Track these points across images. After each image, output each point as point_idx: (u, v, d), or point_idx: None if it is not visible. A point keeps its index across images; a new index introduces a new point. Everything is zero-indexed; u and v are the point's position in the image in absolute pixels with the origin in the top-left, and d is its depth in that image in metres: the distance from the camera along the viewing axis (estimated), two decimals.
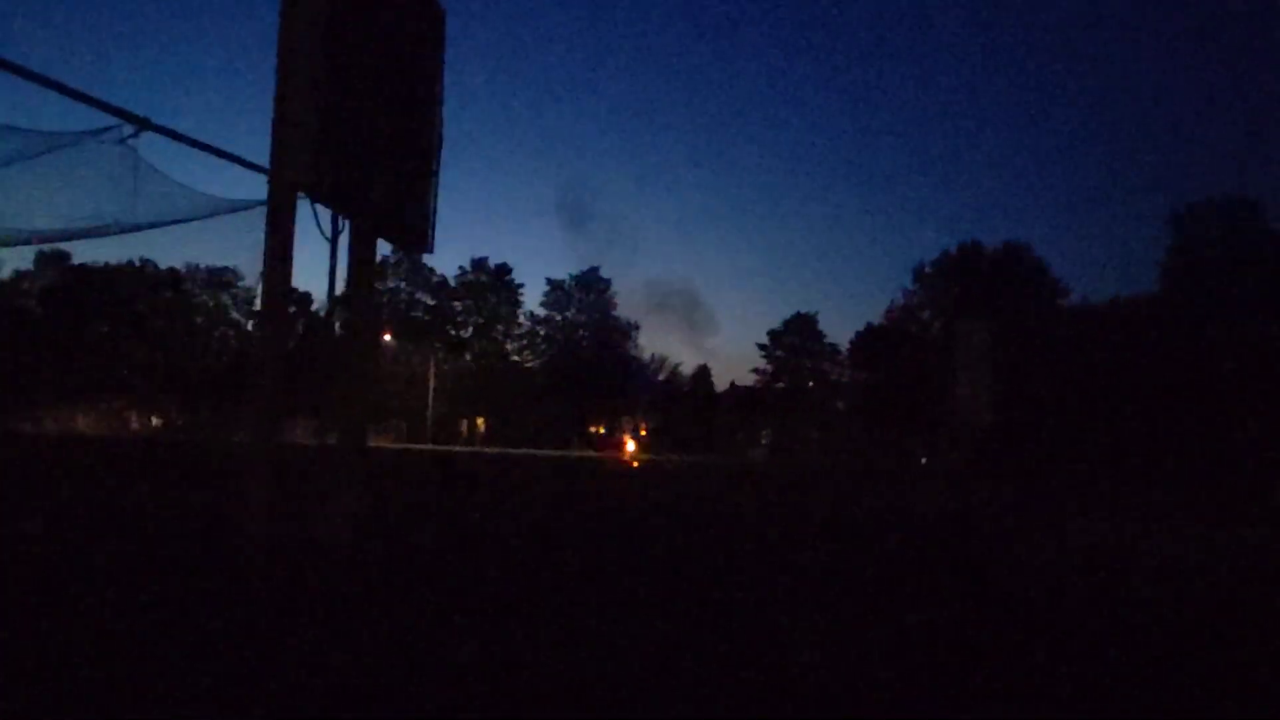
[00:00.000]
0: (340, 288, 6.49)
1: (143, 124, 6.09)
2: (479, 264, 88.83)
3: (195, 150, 6.84)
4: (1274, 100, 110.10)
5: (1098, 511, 17.84)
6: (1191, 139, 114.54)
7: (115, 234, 7.08)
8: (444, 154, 6.82)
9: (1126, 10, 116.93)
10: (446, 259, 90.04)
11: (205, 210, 7.03)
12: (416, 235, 6.47)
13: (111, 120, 5.99)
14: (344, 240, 6.19)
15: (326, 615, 5.15)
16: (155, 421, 76.89)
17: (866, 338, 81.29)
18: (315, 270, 6.53)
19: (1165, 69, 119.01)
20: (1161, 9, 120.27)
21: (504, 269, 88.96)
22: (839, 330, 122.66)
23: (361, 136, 5.51)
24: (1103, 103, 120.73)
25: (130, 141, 6.09)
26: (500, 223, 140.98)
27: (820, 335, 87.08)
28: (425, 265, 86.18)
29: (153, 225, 7.06)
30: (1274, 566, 10.65)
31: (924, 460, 65.05)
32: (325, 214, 5.84)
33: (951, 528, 13.14)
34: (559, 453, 42.33)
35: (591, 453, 65.73)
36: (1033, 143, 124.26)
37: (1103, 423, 53.50)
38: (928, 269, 78.36)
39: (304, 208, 5.68)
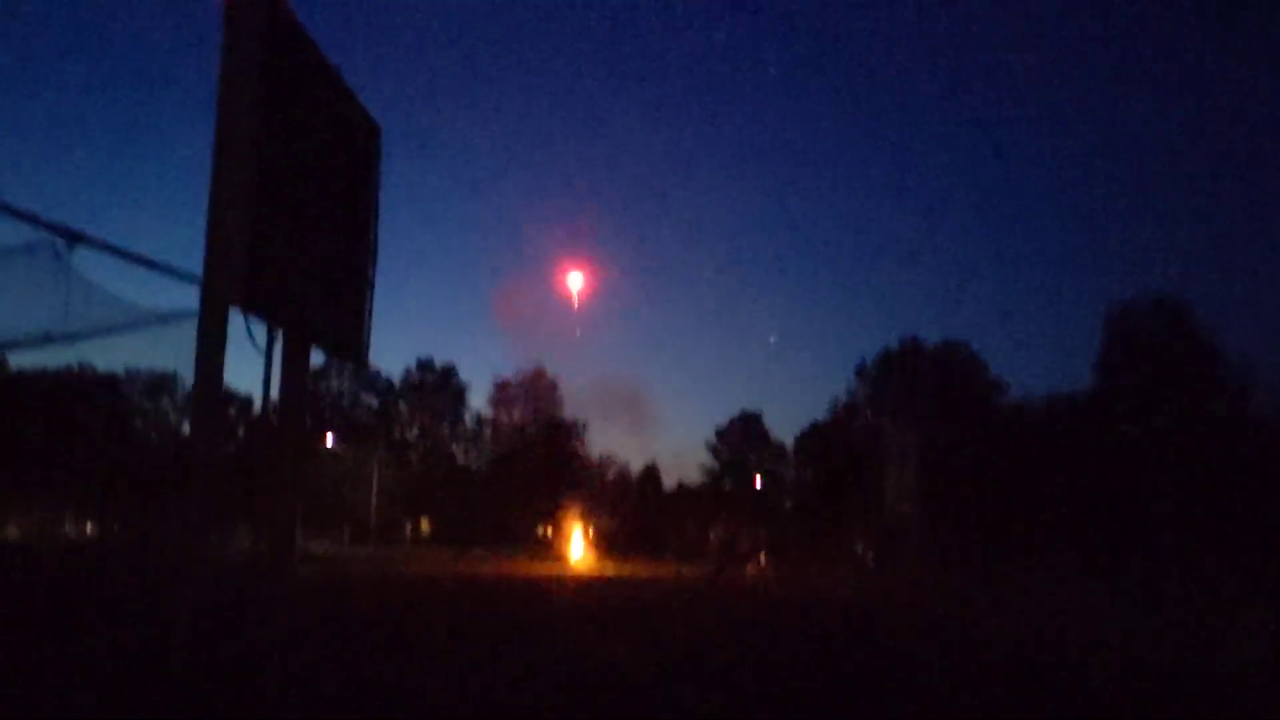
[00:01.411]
0: (277, 393, 6.56)
1: (77, 238, 6.19)
2: (425, 365, 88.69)
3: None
4: (1204, 203, 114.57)
5: (1013, 602, 18.03)
6: (1124, 240, 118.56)
7: (48, 345, 7.10)
8: (387, 259, 6.98)
9: (1063, 116, 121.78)
10: (392, 360, 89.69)
11: (138, 321, 7.09)
12: (351, 346, 6.58)
13: (45, 236, 6.08)
14: (280, 347, 6.28)
15: None
16: (90, 529, 74.66)
17: (811, 435, 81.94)
18: (257, 372, 6.58)
19: (1099, 173, 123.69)
20: (1097, 114, 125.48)
21: (450, 370, 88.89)
22: (786, 427, 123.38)
23: (295, 251, 5.64)
24: (1038, 205, 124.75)
25: (65, 255, 6.18)
26: (446, 323, 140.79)
27: (766, 433, 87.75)
28: (370, 367, 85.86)
29: (86, 336, 7.11)
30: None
31: (870, 558, 65.04)
32: (259, 325, 5.94)
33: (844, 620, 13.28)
34: (489, 567, 41.34)
35: (532, 559, 64.84)
36: (973, 242, 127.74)
37: (1038, 518, 54.11)
38: (869, 366, 79.61)
39: (237, 315, 5.77)
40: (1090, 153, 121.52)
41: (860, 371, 79.89)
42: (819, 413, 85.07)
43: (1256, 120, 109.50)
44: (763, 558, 62.66)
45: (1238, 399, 58.03)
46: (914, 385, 72.84)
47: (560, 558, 63.77)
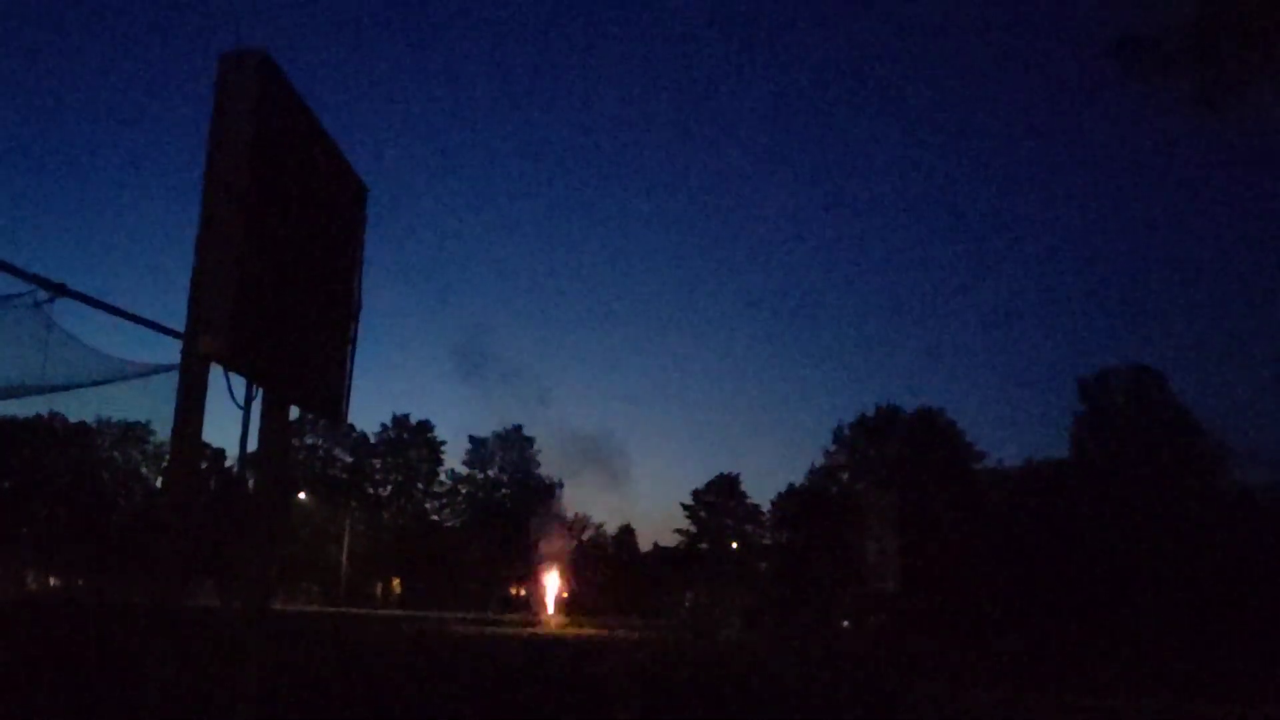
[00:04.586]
0: (254, 448, 6.50)
1: (58, 290, 6.16)
2: (400, 421, 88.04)
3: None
4: (1179, 276, 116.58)
5: (983, 678, 17.89)
6: (1101, 309, 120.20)
7: (25, 396, 7.04)
8: (366, 316, 6.97)
9: (1042, 190, 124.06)
10: (367, 416, 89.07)
11: (117, 374, 7.05)
12: (330, 404, 6.54)
13: (26, 286, 6.06)
14: (258, 402, 6.24)
15: None
16: (54, 582, 73.35)
17: (788, 498, 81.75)
18: (231, 424, 6.52)
19: (1076, 245, 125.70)
20: (1075, 187, 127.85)
21: (425, 426, 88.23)
22: (762, 491, 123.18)
23: (279, 310, 5.64)
24: (1014, 275, 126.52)
25: (45, 307, 6.15)
26: (422, 380, 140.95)
27: (743, 495, 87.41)
28: (346, 423, 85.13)
29: (64, 388, 7.05)
30: None
31: (845, 624, 64.61)
32: (238, 379, 5.90)
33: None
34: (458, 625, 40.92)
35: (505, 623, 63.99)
36: (950, 312, 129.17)
37: (1014, 587, 54.04)
38: (847, 431, 79.77)
39: (217, 370, 5.74)
40: (1068, 225, 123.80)
41: (838, 436, 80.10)
42: (797, 477, 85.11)
43: (1234, 197, 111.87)
44: (737, 623, 62.07)
45: (1212, 468, 58.43)
46: (891, 451, 73.01)
47: (532, 619, 62.97)
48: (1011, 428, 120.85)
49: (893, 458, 71.86)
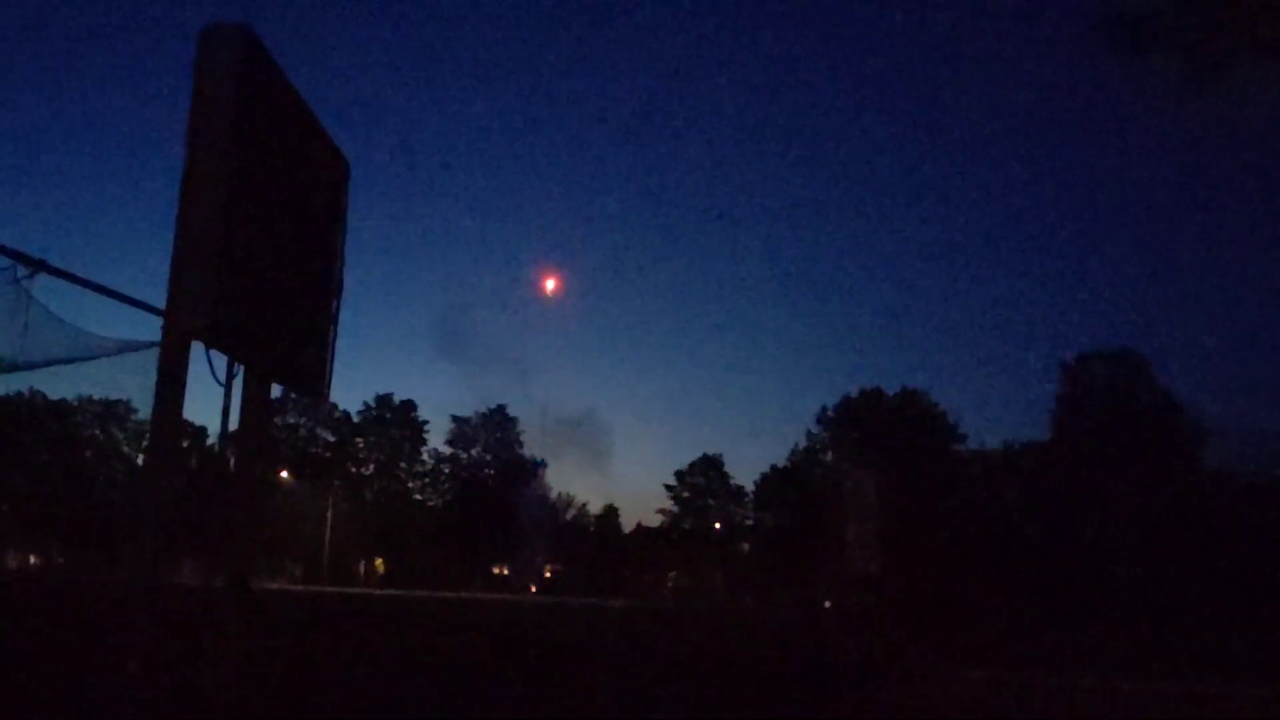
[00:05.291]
0: (235, 426, 6.47)
1: (38, 265, 6.10)
2: (383, 400, 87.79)
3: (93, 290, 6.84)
4: (1161, 258, 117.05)
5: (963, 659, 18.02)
6: (1082, 292, 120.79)
7: (4, 373, 6.98)
8: (348, 295, 6.94)
9: (1025, 171, 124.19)
10: (350, 395, 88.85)
11: (97, 351, 6.99)
12: (312, 381, 6.50)
13: (5, 262, 6.00)
14: (239, 379, 6.20)
15: None
16: (34, 560, 73.10)
17: (771, 480, 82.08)
18: (211, 402, 6.49)
19: (1058, 227, 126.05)
20: (1059, 168, 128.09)
21: (409, 405, 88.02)
22: (745, 472, 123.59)
23: (260, 286, 5.60)
24: (998, 257, 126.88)
25: (25, 283, 6.08)
26: (405, 360, 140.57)
27: (726, 477, 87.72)
28: (328, 401, 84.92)
29: (43, 364, 6.99)
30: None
31: (826, 604, 64.95)
32: (219, 356, 5.86)
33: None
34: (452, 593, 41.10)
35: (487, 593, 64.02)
36: (933, 292, 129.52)
37: (995, 568, 54.41)
38: (830, 412, 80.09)
39: (197, 346, 5.70)
40: (1050, 206, 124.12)
41: (821, 418, 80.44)
42: (780, 458, 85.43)
43: (1219, 178, 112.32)
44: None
45: (1191, 450, 58.90)
46: (874, 432, 73.37)
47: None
48: (993, 410, 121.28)
49: (875, 439, 72.20)
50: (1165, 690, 13.45)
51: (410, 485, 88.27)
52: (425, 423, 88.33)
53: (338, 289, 6.70)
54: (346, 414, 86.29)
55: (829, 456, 78.80)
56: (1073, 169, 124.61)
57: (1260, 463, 53.65)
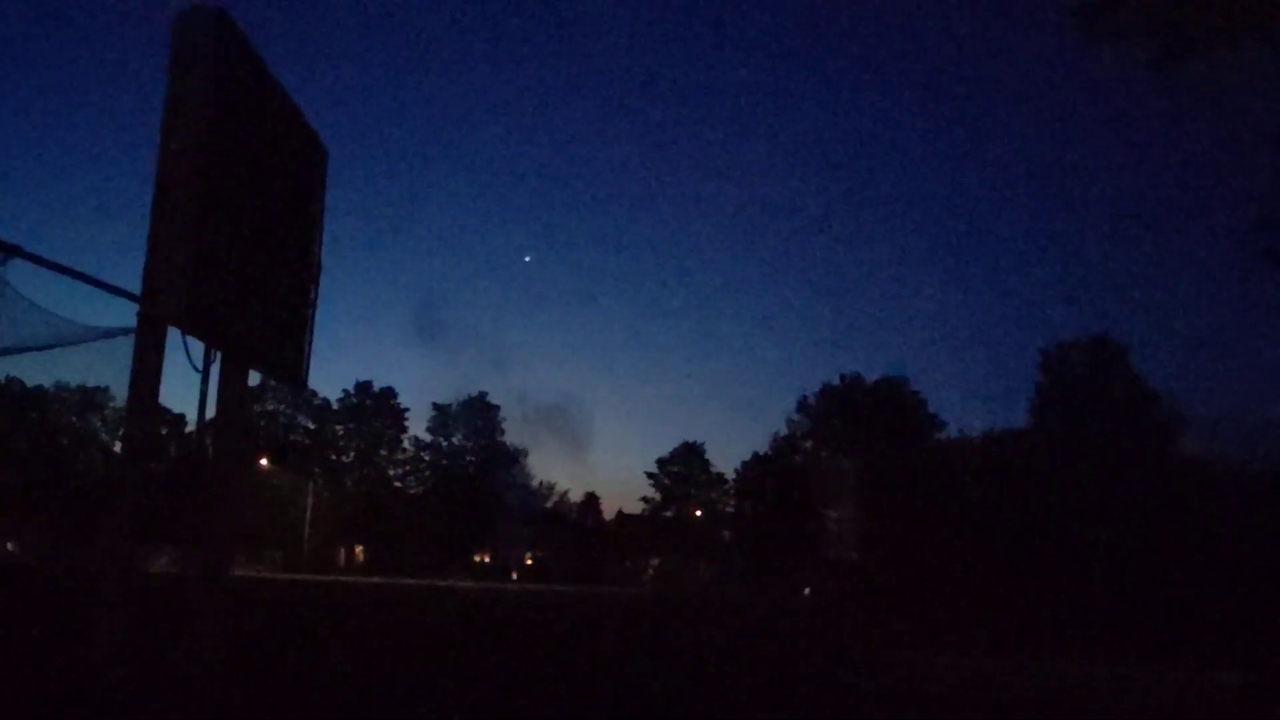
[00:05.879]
0: (213, 413, 6.44)
1: (12, 250, 6.06)
2: (363, 387, 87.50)
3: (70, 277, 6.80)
4: (1138, 247, 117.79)
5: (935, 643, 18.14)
6: (1061, 280, 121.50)
7: None
8: (327, 281, 6.92)
9: (1005, 160, 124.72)
10: (330, 382, 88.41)
11: (73, 337, 6.95)
12: (290, 367, 6.49)
13: None
14: (217, 366, 6.18)
15: None
16: (11, 547, 72.64)
17: (751, 467, 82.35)
18: (190, 389, 6.46)
19: (1037, 216, 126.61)
20: (1038, 158, 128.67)
21: (389, 392, 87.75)
22: (726, 459, 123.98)
23: (237, 272, 5.57)
24: (979, 246, 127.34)
25: None
26: (385, 347, 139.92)
27: (707, 464, 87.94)
28: (307, 388, 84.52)
29: (19, 351, 6.94)
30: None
31: (807, 591, 65.31)
32: (196, 343, 5.84)
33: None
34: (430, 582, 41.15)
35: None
36: (913, 280, 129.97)
37: (974, 554, 54.79)
38: (811, 400, 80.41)
39: (175, 334, 5.68)
40: (1031, 195, 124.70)
41: (802, 405, 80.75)
42: (761, 445, 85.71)
43: (1197, 167, 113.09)
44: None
45: (1169, 438, 59.43)
46: (854, 419, 73.74)
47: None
48: (973, 398, 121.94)
49: (855, 426, 72.55)
50: (1137, 674, 13.60)
51: (391, 472, 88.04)
52: (405, 410, 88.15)
53: (316, 275, 6.69)
54: (326, 401, 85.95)
55: (809, 444, 79.15)
56: (1051, 158, 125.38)
57: (1235, 452, 54.15)
